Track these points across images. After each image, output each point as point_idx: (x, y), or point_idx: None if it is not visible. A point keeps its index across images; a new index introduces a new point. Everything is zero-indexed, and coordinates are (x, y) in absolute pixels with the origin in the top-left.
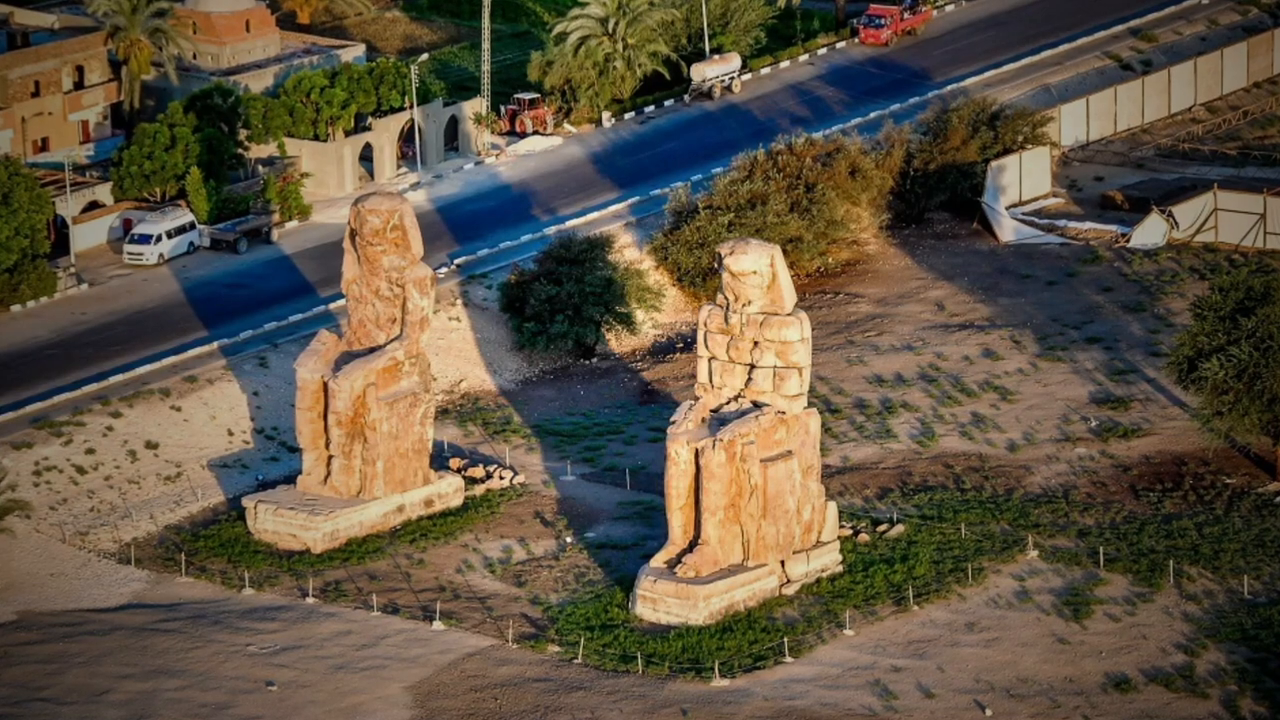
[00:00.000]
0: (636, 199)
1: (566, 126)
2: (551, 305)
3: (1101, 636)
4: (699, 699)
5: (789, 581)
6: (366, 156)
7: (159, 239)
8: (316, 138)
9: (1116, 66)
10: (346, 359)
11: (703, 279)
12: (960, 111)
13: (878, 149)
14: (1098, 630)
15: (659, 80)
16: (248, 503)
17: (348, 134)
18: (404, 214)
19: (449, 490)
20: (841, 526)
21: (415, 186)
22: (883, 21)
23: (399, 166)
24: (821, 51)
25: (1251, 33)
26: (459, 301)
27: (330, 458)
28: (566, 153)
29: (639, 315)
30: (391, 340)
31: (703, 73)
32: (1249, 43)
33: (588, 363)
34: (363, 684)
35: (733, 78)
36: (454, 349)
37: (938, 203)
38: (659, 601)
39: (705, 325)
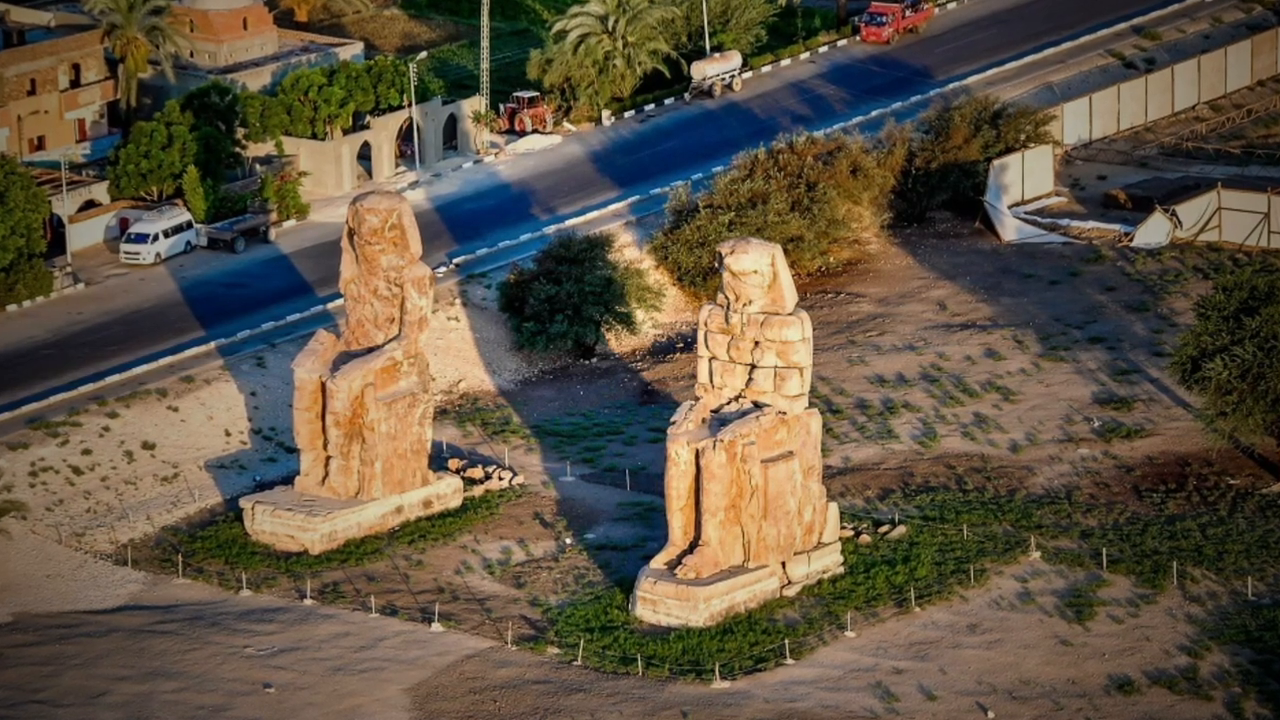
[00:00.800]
0: (636, 198)
1: (566, 125)
2: (551, 305)
3: (1104, 638)
4: (699, 701)
5: (790, 583)
6: (365, 155)
7: (156, 238)
8: (314, 136)
9: (1120, 64)
10: (344, 359)
11: (703, 278)
12: (962, 110)
13: (879, 147)
14: (1101, 632)
15: (659, 78)
16: (245, 504)
17: (346, 132)
18: (402, 213)
19: (448, 491)
20: (843, 527)
21: (414, 185)
22: (884, 19)
23: (397, 165)
24: (823, 49)
25: (1255, 30)
26: (458, 301)
27: (328, 458)
28: (566, 151)
29: (639, 315)
30: (390, 340)
31: (703, 71)
32: (1253, 40)
33: (587, 363)
34: (361, 686)
35: (733, 76)
36: (453, 349)
37: (940, 202)
38: (659, 603)
39: (706, 325)
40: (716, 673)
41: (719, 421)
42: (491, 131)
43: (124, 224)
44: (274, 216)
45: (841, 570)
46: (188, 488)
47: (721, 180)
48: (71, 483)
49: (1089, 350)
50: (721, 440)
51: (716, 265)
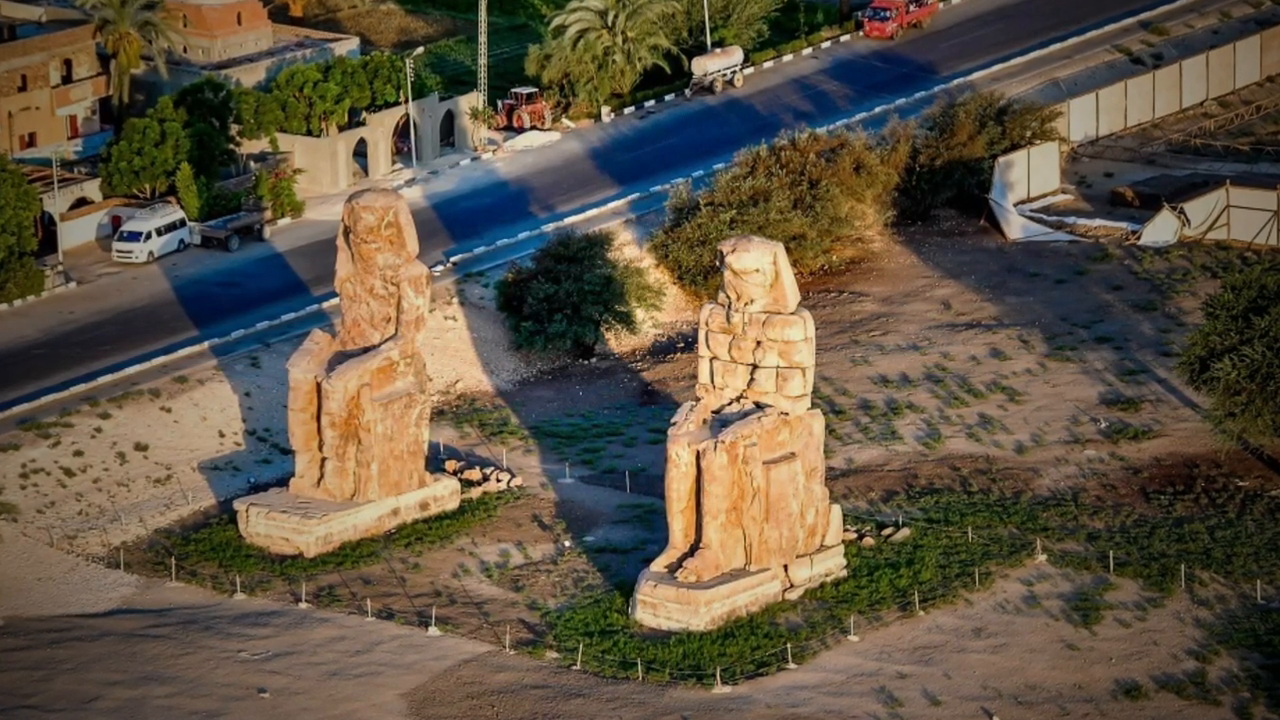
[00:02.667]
0: (636, 195)
1: (565, 122)
2: (550, 304)
3: (1111, 642)
4: (700, 706)
5: (792, 586)
6: (361, 152)
7: (148, 236)
8: (309, 133)
9: (1127, 60)
10: (340, 359)
11: (704, 277)
12: (967, 106)
13: (883, 144)
14: (1107, 636)
15: (659, 74)
16: (239, 506)
17: (341, 129)
18: (399, 211)
19: (445, 493)
20: (846, 530)
21: (410, 183)
22: (888, 14)
23: (394, 162)
24: (825, 45)
25: (1264, 26)
26: (455, 300)
27: (323, 460)
28: (565, 148)
29: (639, 314)
30: (386, 340)
31: (704, 67)
32: (1262, 36)
33: (587, 363)
34: (357, 691)
35: (735, 72)
36: (450, 349)
37: (944, 199)
38: (659, 606)
39: (707, 324)
40: (718, 677)
41: (720, 422)
42: (489, 128)
43: (116, 222)
44: (268, 214)
45: (844, 573)
46: (181, 489)
47: (723, 177)
48: (63, 484)
49: (1096, 350)
50: (723, 441)
51: (718, 264)
